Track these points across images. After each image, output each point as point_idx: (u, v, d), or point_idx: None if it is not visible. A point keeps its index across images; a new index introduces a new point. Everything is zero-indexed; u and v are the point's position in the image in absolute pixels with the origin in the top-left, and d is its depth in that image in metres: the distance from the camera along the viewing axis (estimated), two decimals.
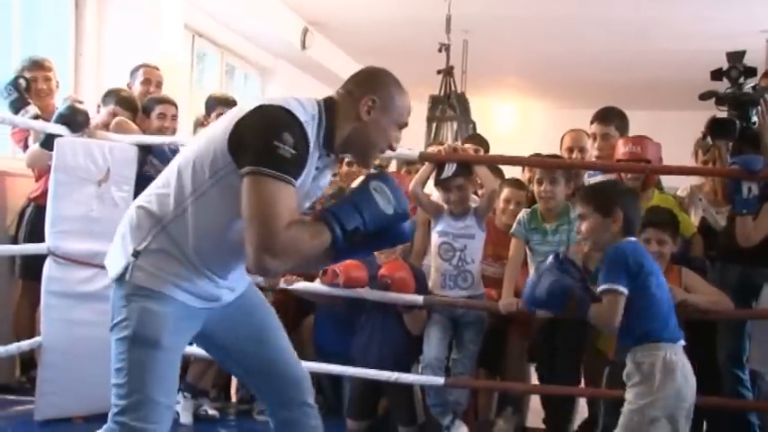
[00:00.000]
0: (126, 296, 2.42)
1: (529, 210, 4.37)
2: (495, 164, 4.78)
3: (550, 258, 3.21)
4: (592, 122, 4.73)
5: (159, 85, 5.35)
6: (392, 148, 2.69)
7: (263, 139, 2.33)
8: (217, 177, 2.40)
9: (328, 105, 2.56)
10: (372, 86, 2.59)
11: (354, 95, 2.56)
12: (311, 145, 2.45)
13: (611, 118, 4.68)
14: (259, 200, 2.30)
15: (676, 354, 3.04)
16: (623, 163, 4.42)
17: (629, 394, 3.08)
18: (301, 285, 4.39)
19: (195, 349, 4.44)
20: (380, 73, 2.67)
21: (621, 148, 4.37)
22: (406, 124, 2.67)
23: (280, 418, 2.71)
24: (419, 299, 4.22)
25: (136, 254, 2.43)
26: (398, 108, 2.61)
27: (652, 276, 3.07)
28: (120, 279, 2.43)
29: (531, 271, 4.27)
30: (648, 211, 4.09)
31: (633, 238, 3.16)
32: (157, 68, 5.40)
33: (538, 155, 4.62)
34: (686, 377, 3.05)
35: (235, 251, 2.45)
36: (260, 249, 2.30)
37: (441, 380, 4.14)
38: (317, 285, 4.35)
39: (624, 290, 2.99)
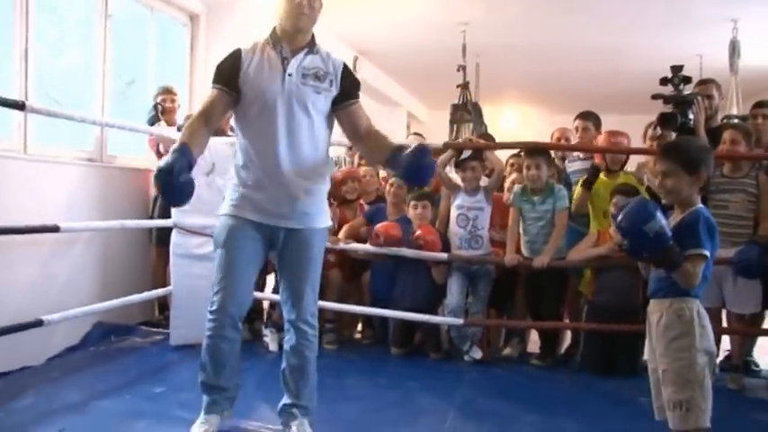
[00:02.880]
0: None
1: (520, 185, 4.35)
2: (498, 149, 4.79)
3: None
4: (575, 119, 4.81)
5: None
6: (303, 9, 2.62)
7: None
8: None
9: (275, 26, 2.74)
10: None
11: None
12: (246, 54, 2.67)
13: (589, 116, 4.78)
14: None
15: (702, 308, 2.49)
16: (595, 145, 4.55)
17: (669, 349, 2.44)
18: (354, 246, 4.45)
19: (265, 295, 4.56)
20: None
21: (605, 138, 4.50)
22: None
23: (287, 326, 2.80)
24: (444, 256, 4.28)
25: (224, 197, 2.79)
26: None
27: (716, 240, 2.47)
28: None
29: (523, 235, 4.35)
30: (619, 184, 4.20)
31: (701, 204, 2.52)
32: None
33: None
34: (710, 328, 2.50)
35: (253, 154, 2.68)
36: None
37: (461, 320, 4.21)
38: (366, 246, 4.42)
39: (708, 254, 2.40)
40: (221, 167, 4.19)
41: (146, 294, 4.45)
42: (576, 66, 9.07)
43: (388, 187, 4.70)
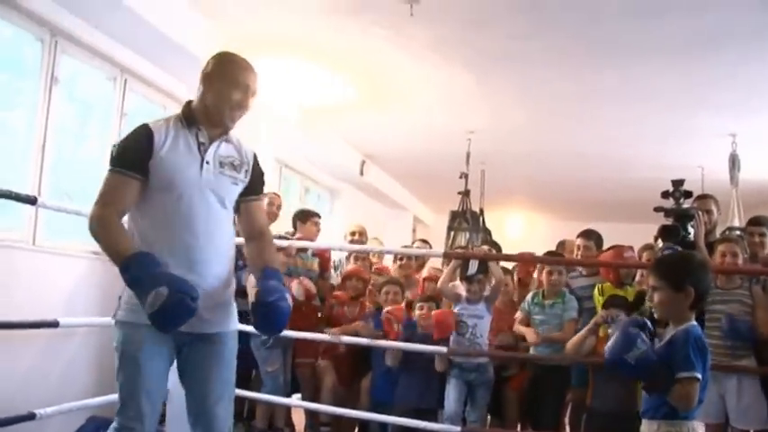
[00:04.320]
0: None
1: (533, 292, 4.58)
2: (506, 260, 4.91)
3: (631, 323, 2.54)
4: (577, 237, 4.94)
5: (279, 206, 5.34)
6: (241, 105, 2.39)
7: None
8: None
9: (189, 102, 2.45)
10: (204, 68, 2.44)
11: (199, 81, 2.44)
12: (159, 135, 2.32)
13: (590, 235, 4.91)
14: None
15: (695, 428, 2.47)
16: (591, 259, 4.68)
17: None
18: (348, 339, 4.42)
19: (258, 395, 4.48)
20: (212, 57, 2.45)
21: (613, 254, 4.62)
22: (244, 84, 2.37)
23: None
24: (443, 349, 4.23)
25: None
26: (227, 72, 2.37)
27: (707, 361, 2.47)
28: None
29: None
30: (610, 296, 4.25)
31: (694, 322, 2.51)
32: (278, 195, 5.48)
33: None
34: None
35: (159, 250, 2.27)
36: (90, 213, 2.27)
37: (458, 428, 4.13)
38: (365, 340, 4.40)
39: (700, 376, 2.37)
40: None
41: None
42: (580, 174, 9.25)
43: (383, 296, 4.71)
